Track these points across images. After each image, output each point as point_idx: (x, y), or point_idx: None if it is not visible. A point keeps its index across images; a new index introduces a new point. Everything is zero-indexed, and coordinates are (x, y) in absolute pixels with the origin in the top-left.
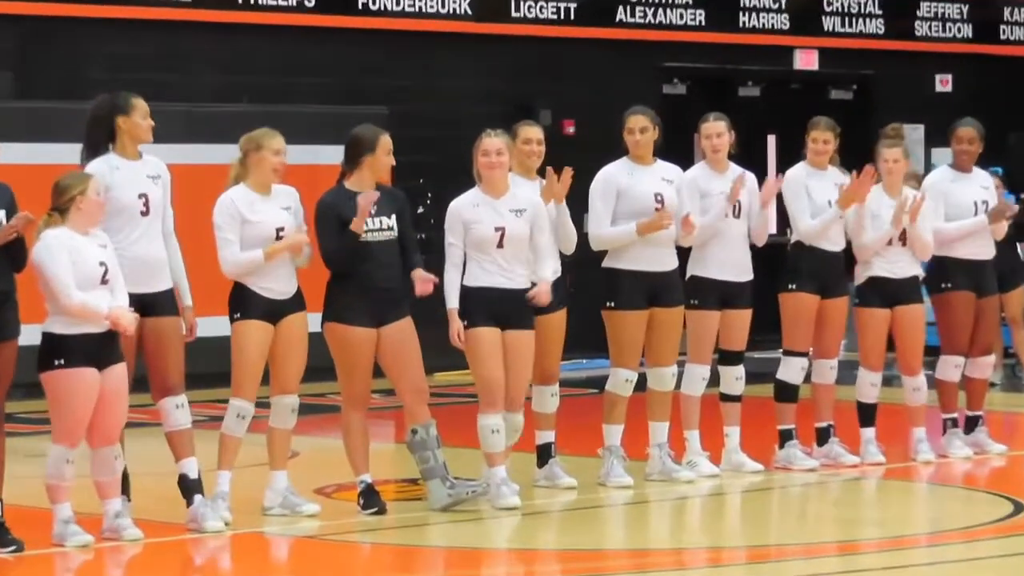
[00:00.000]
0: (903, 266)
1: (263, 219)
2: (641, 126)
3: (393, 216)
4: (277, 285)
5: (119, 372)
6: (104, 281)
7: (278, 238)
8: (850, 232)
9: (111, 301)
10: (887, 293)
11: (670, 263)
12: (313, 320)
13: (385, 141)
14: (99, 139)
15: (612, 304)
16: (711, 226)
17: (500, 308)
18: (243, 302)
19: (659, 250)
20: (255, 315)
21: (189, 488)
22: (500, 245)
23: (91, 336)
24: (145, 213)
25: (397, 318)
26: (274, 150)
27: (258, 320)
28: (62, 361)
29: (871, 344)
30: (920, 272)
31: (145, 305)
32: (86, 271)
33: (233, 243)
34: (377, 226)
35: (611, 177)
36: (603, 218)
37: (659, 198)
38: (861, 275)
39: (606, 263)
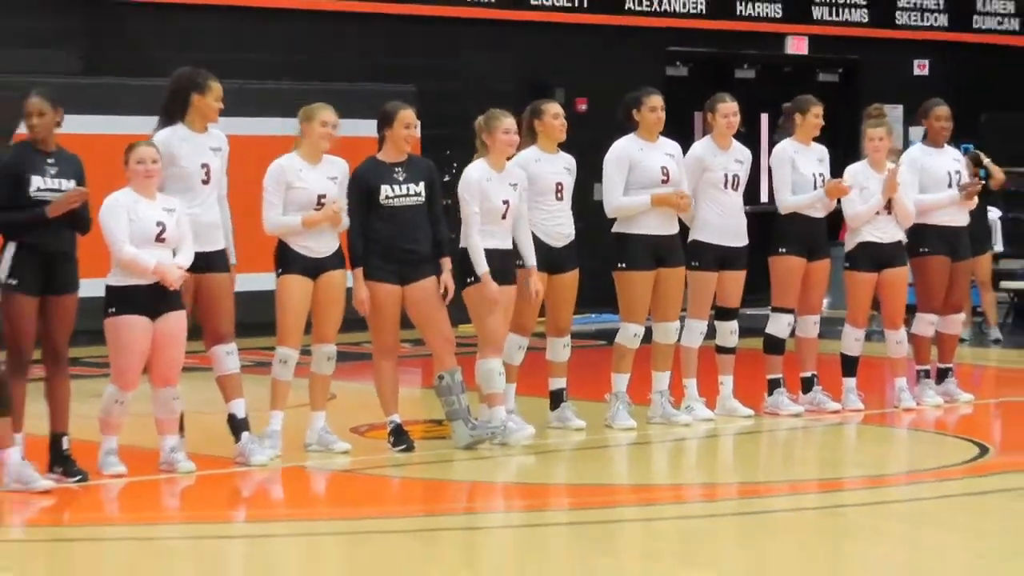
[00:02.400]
0: (890, 232)
1: (307, 186)
2: (662, 105)
3: (421, 183)
4: (316, 245)
5: (174, 319)
6: (160, 239)
7: (319, 204)
8: (825, 207)
9: (167, 258)
10: (875, 257)
11: (673, 227)
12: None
13: (404, 115)
14: (174, 110)
15: (623, 265)
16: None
17: (500, 268)
18: (285, 259)
19: (664, 216)
20: (295, 271)
21: (237, 426)
22: (504, 216)
23: (142, 287)
24: (206, 182)
25: (421, 277)
26: (321, 121)
27: (298, 275)
28: (114, 309)
29: (858, 303)
30: (903, 238)
31: (200, 263)
32: (141, 229)
33: (276, 206)
34: (404, 192)
35: (624, 151)
36: (618, 188)
37: (665, 171)
38: (851, 241)
39: (616, 228)
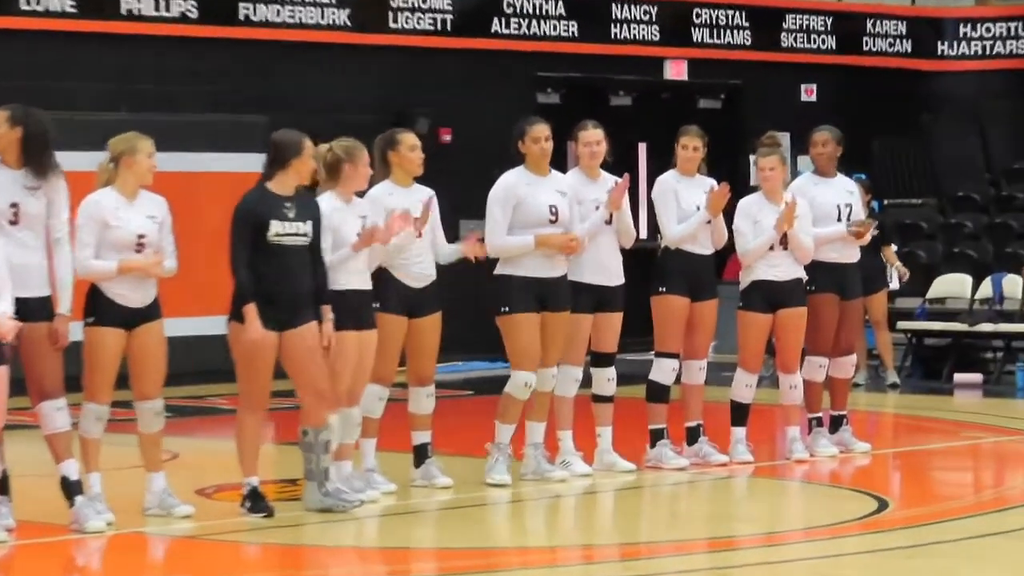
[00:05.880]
0: (786, 269)
1: (125, 225)
2: (548, 135)
3: (309, 223)
4: (134, 294)
5: None
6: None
7: (138, 244)
8: (715, 241)
9: None
10: (770, 296)
11: (559, 269)
12: (202, 323)
13: (310, 145)
14: None
15: (506, 309)
16: (589, 233)
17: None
18: (98, 308)
19: (549, 257)
20: (109, 322)
21: (70, 489)
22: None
23: None
24: (14, 222)
25: (301, 323)
26: (148, 152)
27: (112, 327)
28: None
29: (751, 347)
30: (803, 275)
31: (19, 310)
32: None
33: (88, 246)
34: (292, 231)
35: (510, 187)
36: (502, 227)
37: (554, 211)
38: (745, 279)
39: (499, 269)
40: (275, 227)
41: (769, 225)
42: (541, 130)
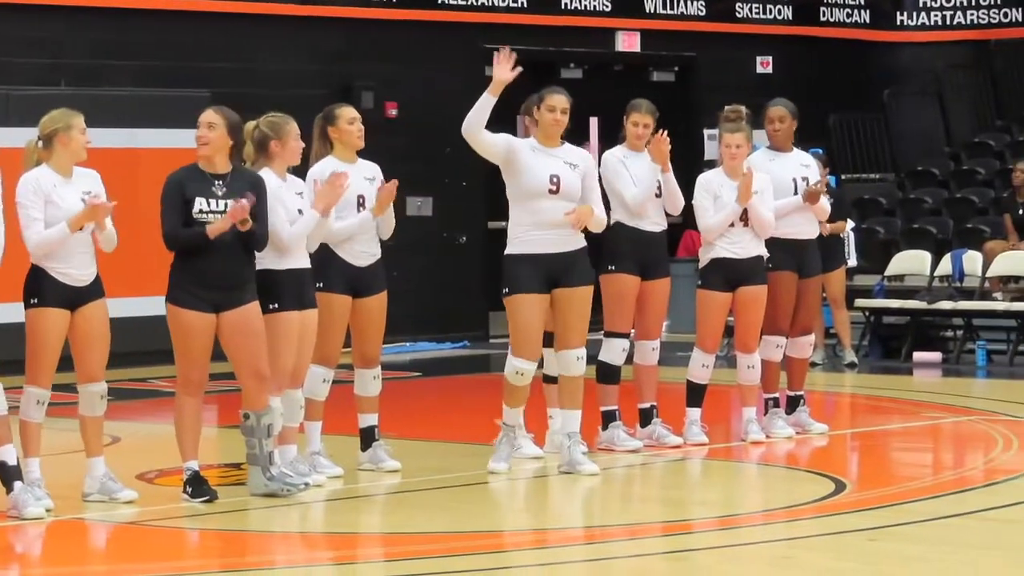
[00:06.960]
0: (746, 246)
1: (64, 204)
2: (565, 107)
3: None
4: (76, 271)
5: None
6: None
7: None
8: (669, 207)
9: None
10: (730, 274)
11: (574, 243)
12: (143, 304)
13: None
14: None
15: (507, 291)
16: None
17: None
18: (40, 288)
19: (559, 231)
20: (52, 302)
21: (8, 475)
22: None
23: None
24: None
25: (238, 304)
26: (81, 129)
27: (55, 307)
28: None
29: (709, 326)
30: (764, 252)
31: None
32: None
33: (39, 221)
34: (220, 209)
35: (518, 146)
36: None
37: (555, 180)
38: (704, 257)
39: (507, 250)
40: (199, 204)
41: (730, 200)
42: (558, 100)
